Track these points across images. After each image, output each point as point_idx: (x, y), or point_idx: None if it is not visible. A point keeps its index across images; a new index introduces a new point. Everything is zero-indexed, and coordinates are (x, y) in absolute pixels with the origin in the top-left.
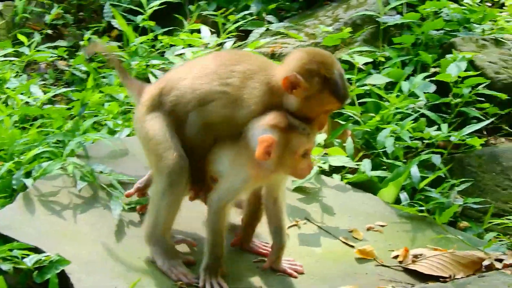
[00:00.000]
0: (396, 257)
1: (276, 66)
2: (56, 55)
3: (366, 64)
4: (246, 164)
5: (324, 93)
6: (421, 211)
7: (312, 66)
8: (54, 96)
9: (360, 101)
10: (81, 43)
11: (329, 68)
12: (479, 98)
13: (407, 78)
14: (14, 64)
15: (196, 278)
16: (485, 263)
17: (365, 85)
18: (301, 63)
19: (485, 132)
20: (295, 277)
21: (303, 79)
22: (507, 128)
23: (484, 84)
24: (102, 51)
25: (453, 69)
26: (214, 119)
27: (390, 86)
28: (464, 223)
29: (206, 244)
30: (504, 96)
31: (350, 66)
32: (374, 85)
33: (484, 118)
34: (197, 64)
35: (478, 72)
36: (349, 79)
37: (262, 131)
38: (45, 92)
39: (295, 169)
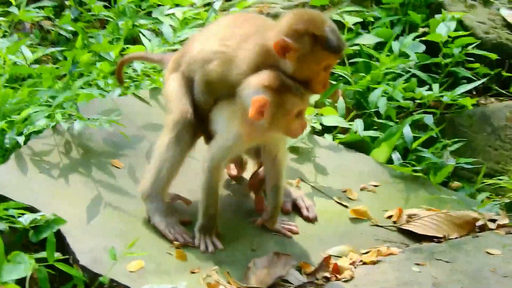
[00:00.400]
0: (390, 217)
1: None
2: (42, 15)
3: (355, 24)
4: (239, 122)
5: (316, 50)
6: (416, 171)
7: (300, 26)
8: (41, 56)
9: (350, 61)
10: (67, 2)
11: (317, 25)
12: (469, 58)
13: (397, 38)
14: (0, 24)
15: (192, 238)
16: (479, 223)
17: (355, 45)
18: (288, 25)
19: (475, 93)
20: (289, 237)
21: (292, 41)
22: (497, 88)
23: (474, 44)
24: (136, 59)
25: (443, 29)
26: (213, 79)
27: (379, 46)
28: (456, 183)
29: (200, 204)
30: (494, 56)
31: (339, 26)
32: (364, 45)
33: (474, 78)
34: (209, 27)
35: (468, 32)
36: None
37: (255, 91)
38: (32, 52)
39: (289, 128)
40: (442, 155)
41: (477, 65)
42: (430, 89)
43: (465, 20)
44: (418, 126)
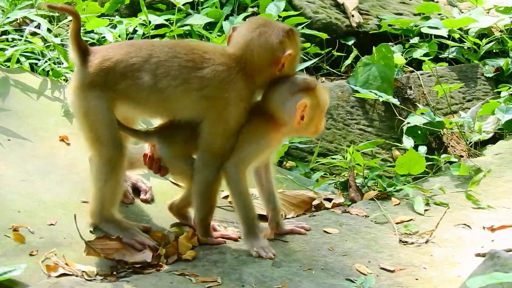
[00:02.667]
0: (226, 197)
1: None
2: None
3: (184, 4)
4: (268, 130)
5: (298, 43)
6: None
7: (278, 36)
8: None
9: None
10: None
11: (279, 24)
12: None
13: (227, 18)
14: None
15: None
16: (315, 202)
17: (186, 25)
18: (272, 41)
19: (306, 72)
20: (304, 234)
21: (288, 50)
22: (327, 67)
23: (304, 24)
24: (64, 11)
25: (273, 9)
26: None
27: (209, 27)
28: (290, 163)
29: (237, 213)
30: (324, 36)
31: (168, 6)
32: (195, 26)
33: (306, 58)
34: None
35: (298, 12)
36: (168, 20)
37: (296, 98)
38: None
39: (318, 127)
40: None
41: (307, 44)
42: None
43: (294, 0)
44: None
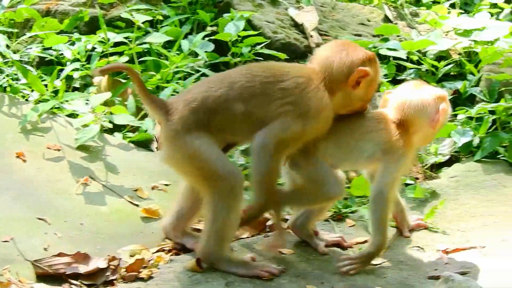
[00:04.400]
0: None
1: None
2: None
3: (144, 22)
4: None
5: (377, 71)
6: None
7: (368, 54)
8: None
9: (140, 59)
10: None
11: (363, 48)
12: (258, 58)
13: (186, 37)
14: None
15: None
16: (269, 222)
17: (145, 43)
18: (352, 57)
19: None
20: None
21: (368, 68)
22: None
23: (263, 44)
24: (119, 69)
25: (232, 28)
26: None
27: (168, 45)
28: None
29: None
30: (283, 56)
31: (127, 24)
32: (153, 44)
33: None
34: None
35: (257, 32)
36: (127, 38)
37: (437, 106)
38: None
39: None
40: (232, 154)
41: None
42: None
43: (254, 19)
44: None
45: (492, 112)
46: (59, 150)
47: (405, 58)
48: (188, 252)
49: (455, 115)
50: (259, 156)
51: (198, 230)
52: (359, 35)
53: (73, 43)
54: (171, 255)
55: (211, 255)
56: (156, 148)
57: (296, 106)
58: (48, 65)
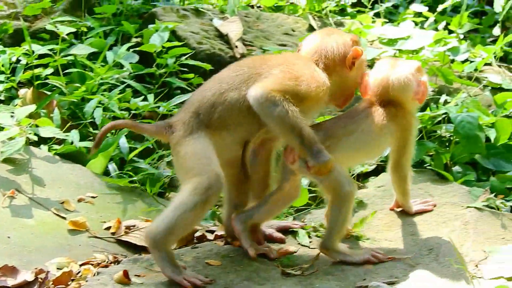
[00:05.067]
0: (108, 228)
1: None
2: None
3: (68, 34)
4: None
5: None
6: (133, 182)
7: (353, 36)
8: None
9: (65, 71)
10: None
11: (348, 33)
12: (183, 69)
13: (110, 48)
14: None
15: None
16: (197, 234)
17: (69, 55)
18: (345, 39)
19: None
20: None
21: (360, 49)
22: None
23: (188, 55)
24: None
25: (157, 39)
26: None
27: (93, 57)
28: (172, 194)
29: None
30: (208, 67)
31: (52, 36)
32: (78, 56)
33: (189, 89)
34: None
35: (181, 43)
36: (52, 50)
37: (418, 79)
38: None
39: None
40: (158, 166)
41: (191, 75)
42: (146, 99)
43: (178, 30)
44: (134, 137)
45: None
46: None
47: None
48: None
49: None
50: (263, 108)
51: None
52: (284, 45)
53: None
54: (99, 267)
55: (154, 240)
56: None
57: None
58: None
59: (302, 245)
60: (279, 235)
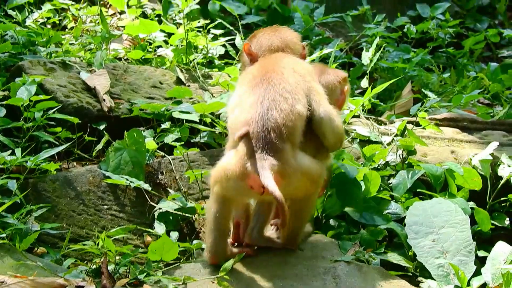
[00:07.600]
0: None
1: None
2: None
3: None
4: None
5: None
6: (0, 237)
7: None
8: None
9: None
10: None
11: None
12: (51, 122)
13: None
14: None
15: None
16: None
17: None
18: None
19: (57, 157)
20: None
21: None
22: (79, 152)
23: (55, 108)
24: None
25: (24, 93)
26: None
27: None
28: (41, 249)
29: None
30: (76, 120)
31: None
32: None
33: (57, 143)
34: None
35: (49, 96)
36: None
37: (342, 88)
38: None
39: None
40: (26, 221)
41: (59, 129)
42: (13, 153)
43: (46, 83)
44: (2, 191)
45: None
46: None
47: (198, 121)
48: None
49: None
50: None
51: None
52: (152, 98)
53: None
54: None
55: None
56: None
57: None
58: None
59: None
60: None
